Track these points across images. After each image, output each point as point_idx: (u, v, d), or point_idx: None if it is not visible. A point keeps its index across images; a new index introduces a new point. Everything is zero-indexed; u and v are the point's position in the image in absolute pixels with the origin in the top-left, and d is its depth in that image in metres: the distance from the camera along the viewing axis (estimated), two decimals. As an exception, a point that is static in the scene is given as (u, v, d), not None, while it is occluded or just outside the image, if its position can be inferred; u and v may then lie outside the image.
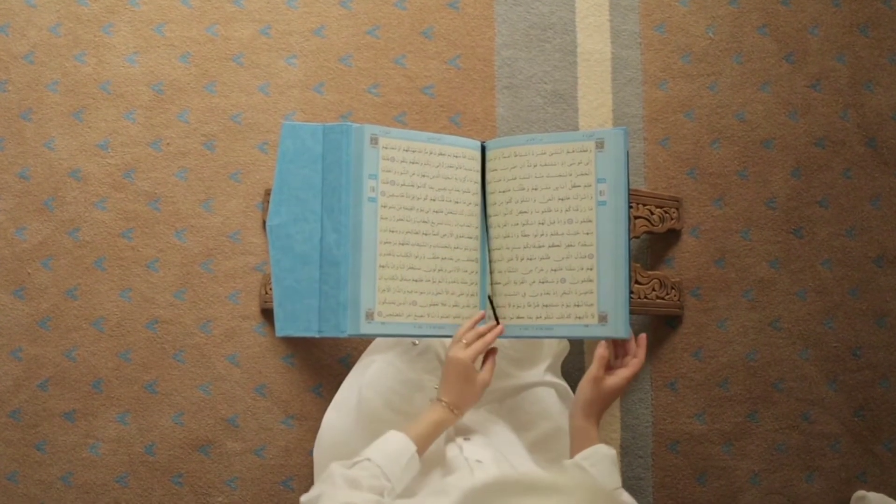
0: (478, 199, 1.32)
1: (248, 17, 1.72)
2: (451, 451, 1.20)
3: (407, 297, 1.27)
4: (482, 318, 1.29)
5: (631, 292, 1.31)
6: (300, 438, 1.65)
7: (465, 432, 1.25)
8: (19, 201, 1.69)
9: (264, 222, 1.56)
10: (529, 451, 1.32)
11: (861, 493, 1.60)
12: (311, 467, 1.46)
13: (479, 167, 1.32)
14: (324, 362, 1.66)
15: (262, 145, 1.70)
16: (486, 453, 1.19)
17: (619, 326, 1.22)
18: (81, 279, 1.67)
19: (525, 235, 1.28)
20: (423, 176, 1.29)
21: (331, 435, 1.38)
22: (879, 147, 1.69)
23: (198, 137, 1.70)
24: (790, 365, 1.65)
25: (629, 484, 1.63)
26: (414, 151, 1.29)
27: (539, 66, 1.71)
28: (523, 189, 1.28)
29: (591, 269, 1.24)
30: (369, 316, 1.24)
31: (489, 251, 1.31)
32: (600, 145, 1.25)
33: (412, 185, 1.29)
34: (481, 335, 1.24)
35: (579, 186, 1.25)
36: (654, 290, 1.60)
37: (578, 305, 1.24)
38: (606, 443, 1.22)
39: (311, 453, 1.51)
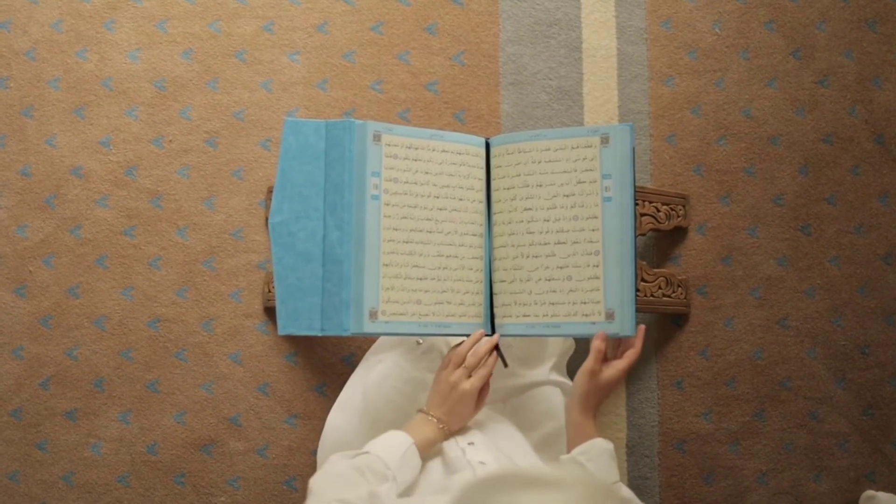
0: (482, 196, 1.31)
1: (250, 14, 1.71)
2: (454, 452, 1.18)
3: (411, 295, 1.26)
4: (482, 336, 1.27)
5: (637, 290, 1.29)
6: (303, 438, 1.64)
7: (468, 434, 1.24)
8: (21, 199, 1.68)
9: (267, 220, 1.55)
10: (535, 451, 1.31)
11: (870, 492, 1.59)
12: (315, 467, 1.45)
13: (482, 164, 1.31)
14: (327, 361, 1.65)
15: (265, 142, 1.69)
16: (489, 456, 1.18)
17: (626, 324, 1.21)
18: (83, 277, 1.66)
19: (530, 233, 1.26)
20: (427, 173, 1.28)
21: (335, 435, 1.37)
22: (888, 143, 1.67)
23: (200, 134, 1.69)
24: (798, 363, 1.64)
25: (635, 483, 1.62)
26: (417, 148, 1.28)
27: (544, 62, 1.70)
28: (528, 186, 1.27)
29: (597, 267, 1.22)
30: (373, 314, 1.23)
31: (494, 249, 1.30)
32: (605, 140, 1.23)
33: (415, 183, 1.27)
34: (480, 358, 1.23)
35: (584, 182, 1.24)
36: (660, 287, 1.58)
37: (585, 303, 1.23)
38: (606, 437, 1.21)
39: (314, 453, 1.50)
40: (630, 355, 1.21)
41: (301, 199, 1.26)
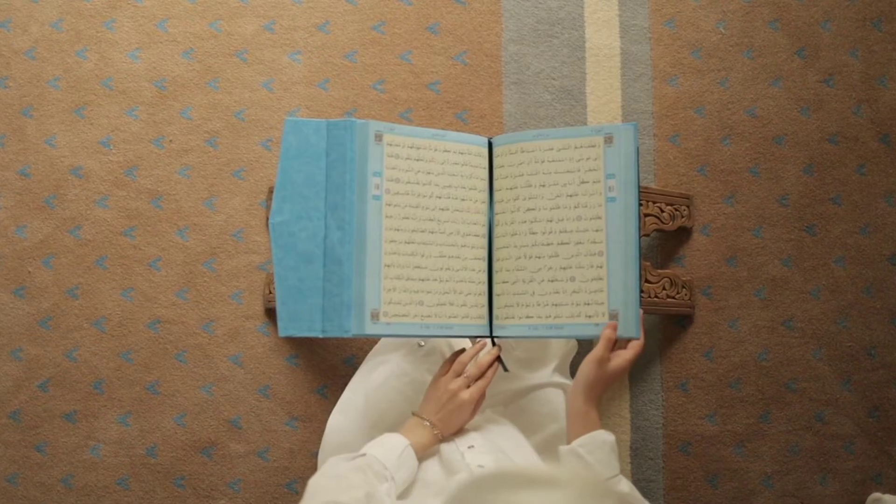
0: (485, 196, 1.30)
1: (251, 13, 1.70)
2: (453, 455, 1.17)
3: (413, 296, 1.24)
4: (483, 346, 1.26)
5: (641, 291, 1.28)
6: (304, 440, 1.63)
7: (468, 437, 1.22)
8: (20, 199, 1.67)
9: (268, 220, 1.54)
10: (538, 453, 1.29)
11: (877, 495, 1.57)
12: (316, 470, 1.44)
13: (485, 164, 1.30)
14: (329, 363, 1.64)
15: (266, 142, 1.67)
16: (489, 458, 1.17)
17: (629, 325, 1.20)
18: (83, 278, 1.65)
19: (533, 233, 1.25)
20: (429, 173, 1.27)
21: (336, 437, 1.36)
22: (893, 143, 1.66)
23: (201, 134, 1.68)
24: (803, 365, 1.62)
25: (639, 486, 1.60)
26: (419, 148, 1.27)
27: (547, 61, 1.69)
28: (531, 186, 1.26)
29: (600, 267, 1.21)
30: (374, 316, 1.21)
31: (496, 249, 1.28)
32: (609, 140, 1.22)
33: (417, 183, 1.26)
34: (483, 370, 1.22)
35: (588, 182, 1.23)
36: (664, 289, 1.57)
37: (588, 304, 1.22)
38: (607, 428, 1.21)
39: (315, 455, 1.49)
40: (636, 345, 1.21)
41: (302, 199, 1.24)
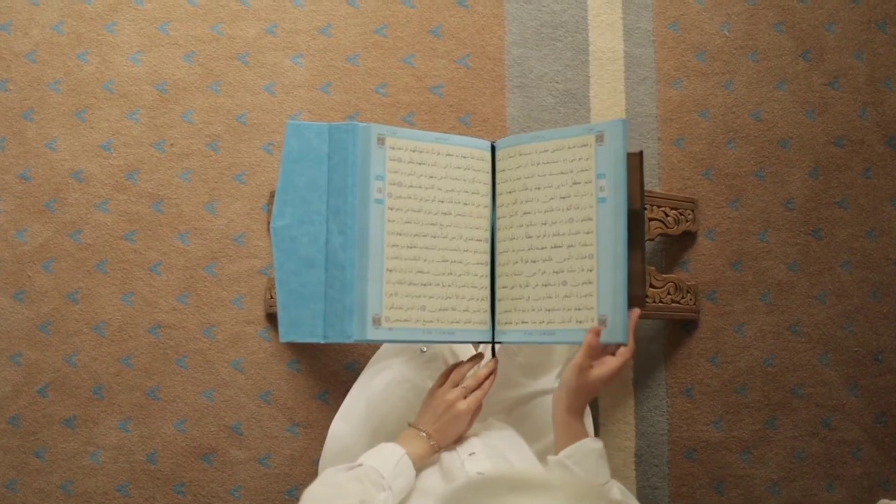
0: (487, 200, 1.28)
1: (253, 16, 1.69)
2: (454, 463, 1.16)
3: (415, 301, 1.23)
4: (481, 359, 1.24)
5: (646, 296, 1.26)
6: (306, 447, 1.61)
7: (469, 444, 1.21)
8: (20, 202, 1.66)
9: (269, 224, 1.53)
10: (539, 459, 1.28)
11: (884, 501, 1.55)
12: (317, 477, 1.43)
13: (488, 168, 1.28)
14: (330, 368, 1.63)
15: (268, 146, 1.66)
16: (489, 464, 1.16)
17: (617, 330, 1.15)
18: (83, 282, 1.64)
19: (529, 237, 1.23)
20: (431, 177, 1.26)
21: (337, 444, 1.35)
22: (900, 147, 1.65)
23: (202, 138, 1.67)
24: (810, 370, 1.61)
25: (644, 493, 1.59)
26: (421, 152, 1.25)
27: (550, 64, 1.68)
28: (527, 189, 1.23)
29: (590, 271, 1.17)
30: (376, 321, 1.20)
31: (497, 254, 1.27)
32: (600, 139, 1.18)
33: (420, 187, 1.25)
34: (480, 381, 1.21)
35: (580, 183, 1.19)
36: (668, 293, 1.56)
37: (579, 309, 1.17)
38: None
39: (316, 462, 1.48)
40: (624, 353, 1.14)
41: (304, 203, 1.23)
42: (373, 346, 1.48)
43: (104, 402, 1.63)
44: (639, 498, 1.23)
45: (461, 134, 1.53)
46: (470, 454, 1.18)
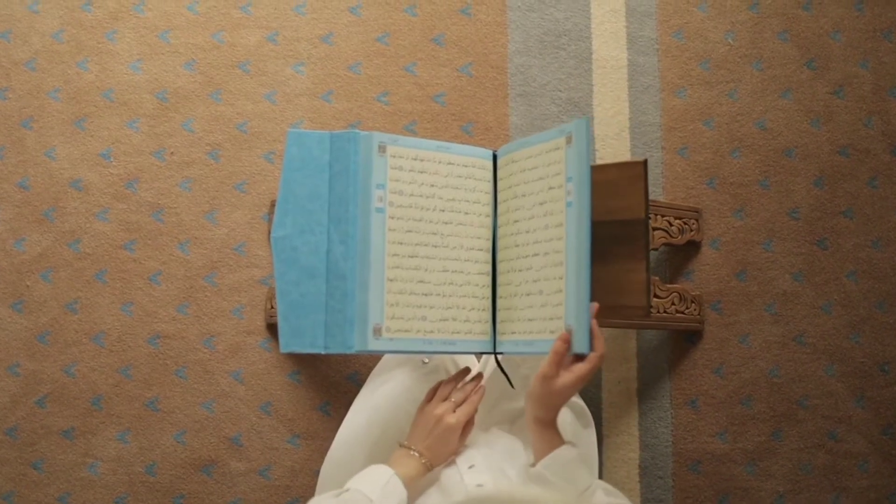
0: (488, 209, 1.27)
1: (254, 24, 1.68)
2: (453, 477, 1.14)
3: (416, 311, 1.22)
4: (468, 373, 1.23)
5: (650, 306, 1.24)
6: (306, 458, 1.60)
7: (469, 456, 1.20)
8: (19, 211, 1.65)
9: (270, 234, 1.52)
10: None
11: (891, 516, 1.54)
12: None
13: (489, 176, 1.27)
14: (331, 379, 1.61)
15: (269, 155, 1.65)
16: (488, 476, 1.14)
17: (580, 339, 1.09)
18: (82, 292, 1.63)
19: (517, 245, 1.21)
20: (433, 186, 1.25)
21: (340, 455, 1.33)
22: (906, 156, 1.64)
23: (202, 147, 1.66)
24: (815, 381, 1.59)
25: (648, 506, 1.57)
26: (423, 160, 1.24)
27: (553, 73, 1.67)
28: (516, 196, 1.22)
29: (561, 279, 1.14)
30: (377, 331, 1.19)
31: (498, 263, 1.26)
32: (569, 140, 1.15)
33: (421, 196, 1.24)
34: (468, 394, 1.19)
35: (554, 188, 1.15)
36: (673, 304, 1.54)
37: (552, 319, 1.13)
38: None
39: (317, 474, 1.46)
40: (592, 359, 1.08)
41: (304, 212, 1.22)
42: (374, 357, 1.47)
43: (103, 413, 1.61)
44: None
45: (463, 143, 1.53)
46: (469, 466, 1.16)
